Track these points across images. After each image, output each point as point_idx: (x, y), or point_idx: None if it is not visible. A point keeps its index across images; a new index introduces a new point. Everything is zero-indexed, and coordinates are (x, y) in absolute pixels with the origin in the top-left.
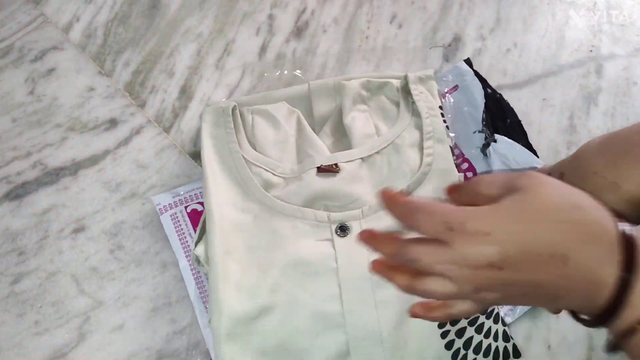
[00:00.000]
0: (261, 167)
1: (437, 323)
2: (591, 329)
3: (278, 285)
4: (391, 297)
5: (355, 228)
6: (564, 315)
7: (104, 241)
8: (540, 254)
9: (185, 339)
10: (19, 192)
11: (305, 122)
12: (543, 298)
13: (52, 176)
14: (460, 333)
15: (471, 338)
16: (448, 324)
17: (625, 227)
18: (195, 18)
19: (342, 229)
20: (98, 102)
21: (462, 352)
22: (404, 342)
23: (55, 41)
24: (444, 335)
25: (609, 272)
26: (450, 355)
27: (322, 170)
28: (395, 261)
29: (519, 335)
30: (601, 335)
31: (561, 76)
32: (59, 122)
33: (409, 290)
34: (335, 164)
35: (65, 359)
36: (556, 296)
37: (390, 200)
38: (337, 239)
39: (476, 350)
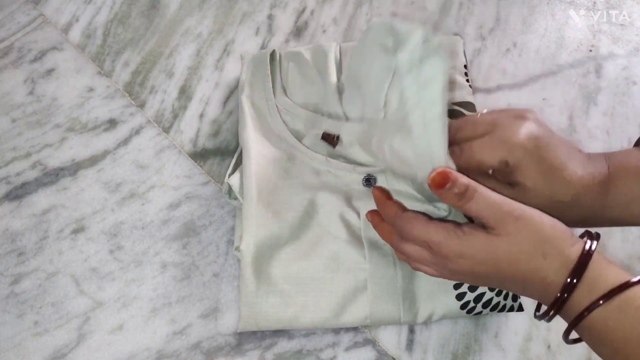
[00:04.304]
0: (291, 113)
1: None
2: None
3: (306, 220)
4: None
5: (381, 181)
6: None
7: (103, 241)
8: (500, 283)
9: (185, 339)
10: (18, 193)
11: (333, 77)
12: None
13: (52, 177)
14: (473, 288)
15: (483, 294)
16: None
17: (587, 243)
18: (194, 18)
19: (368, 181)
20: (97, 103)
21: (472, 304)
22: (417, 291)
23: (54, 41)
24: (456, 286)
25: (557, 281)
26: (459, 306)
27: (324, 138)
28: (389, 222)
29: (519, 336)
30: None
31: (561, 76)
32: (59, 122)
33: (390, 243)
34: (337, 137)
35: (65, 359)
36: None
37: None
38: (362, 189)
39: (485, 305)
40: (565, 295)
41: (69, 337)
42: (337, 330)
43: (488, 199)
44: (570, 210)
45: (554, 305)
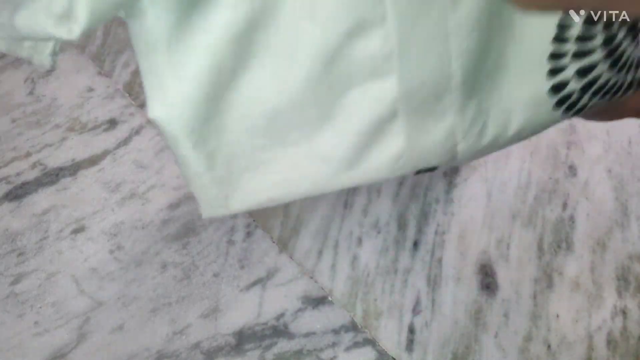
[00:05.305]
0: None
1: (547, 56)
2: (591, 330)
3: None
4: (476, 19)
5: None
6: (564, 315)
7: (103, 241)
8: None
9: (185, 339)
10: (18, 193)
11: None
12: None
13: (52, 176)
14: (582, 72)
15: (599, 77)
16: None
17: None
18: None
19: None
20: (97, 103)
21: (575, 96)
22: (485, 84)
23: None
24: (553, 72)
25: None
26: (555, 102)
27: None
28: None
29: (519, 336)
30: (601, 335)
31: None
32: (59, 122)
33: None
34: None
35: (65, 359)
36: None
37: None
38: None
39: (596, 92)
40: None
41: (69, 337)
42: (337, 330)
43: None
44: None
45: None
